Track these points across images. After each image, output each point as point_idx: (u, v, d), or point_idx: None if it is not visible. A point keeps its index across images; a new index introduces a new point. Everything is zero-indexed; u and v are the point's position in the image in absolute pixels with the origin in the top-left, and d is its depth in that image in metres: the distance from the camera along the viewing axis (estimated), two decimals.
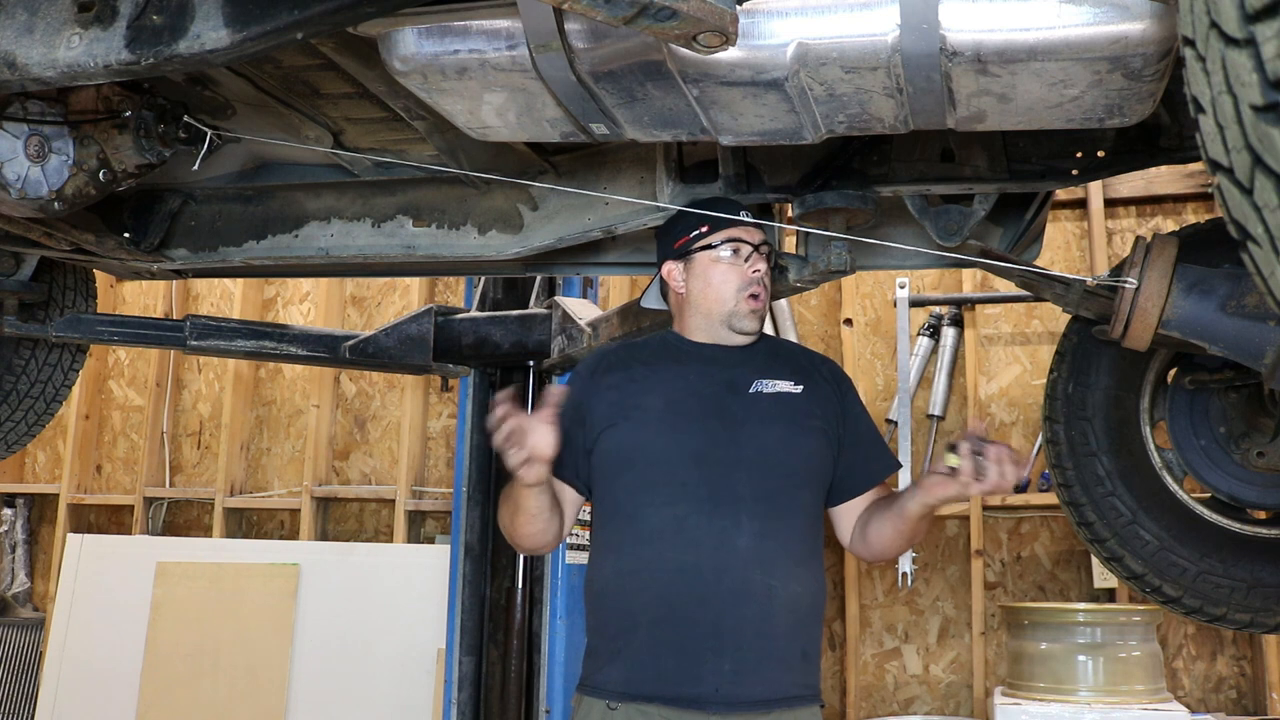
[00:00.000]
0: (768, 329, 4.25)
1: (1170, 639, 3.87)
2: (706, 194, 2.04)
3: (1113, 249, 4.15)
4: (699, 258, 1.90)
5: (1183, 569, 2.11)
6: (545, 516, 1.80)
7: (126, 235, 2.39)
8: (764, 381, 1.87)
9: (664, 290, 2.00)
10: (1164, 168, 3.24)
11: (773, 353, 1.97)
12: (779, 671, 1.75)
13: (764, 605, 1.74)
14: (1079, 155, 1.91)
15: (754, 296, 1.88)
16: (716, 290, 1.88)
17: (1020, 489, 4.05)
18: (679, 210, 1.98)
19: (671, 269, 1.94)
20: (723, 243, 1.88)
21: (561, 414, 1.70)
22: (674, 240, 1.93)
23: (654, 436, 1.83)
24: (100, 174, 1.94)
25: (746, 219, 1.89)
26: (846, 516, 1.93)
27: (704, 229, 1.89)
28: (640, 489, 1.81)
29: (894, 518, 1.82)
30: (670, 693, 1.72)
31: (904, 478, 3.85)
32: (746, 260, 1.88)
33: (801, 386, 1.88)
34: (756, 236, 1.90)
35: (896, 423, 4.12)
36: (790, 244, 2.27)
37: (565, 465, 1.83)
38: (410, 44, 1.50)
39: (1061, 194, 3.95)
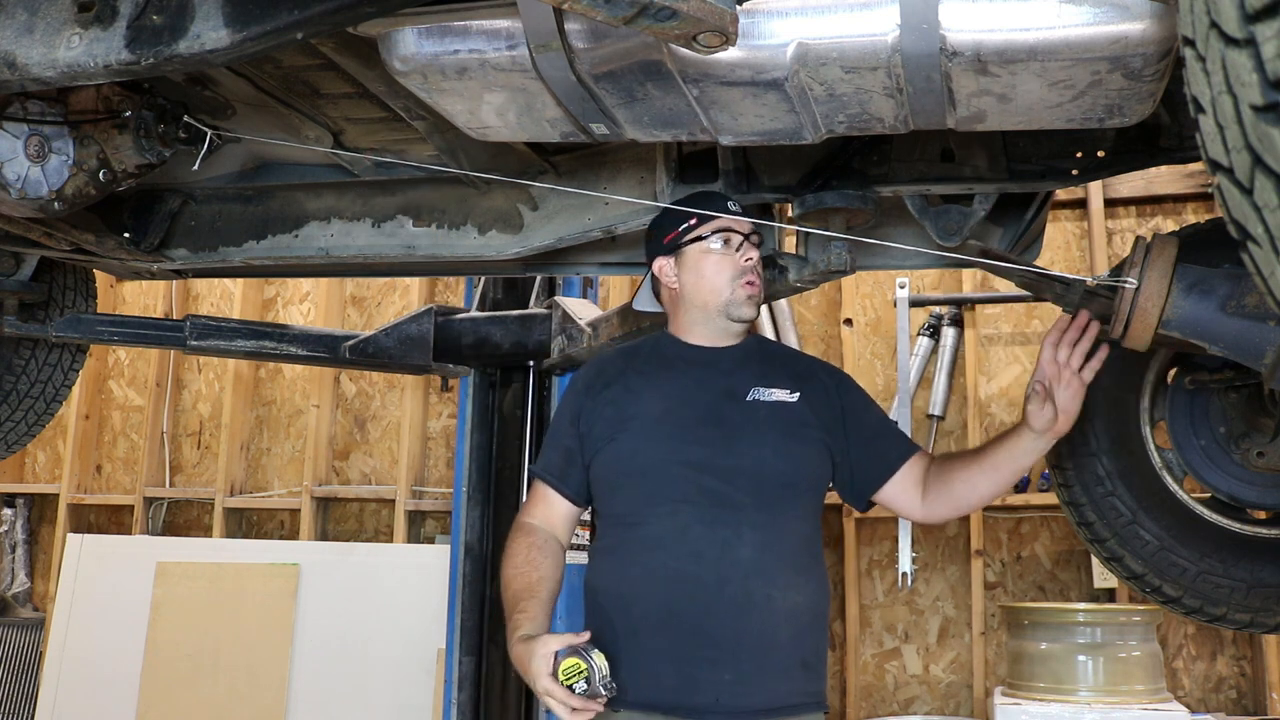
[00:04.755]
0: (768, 331, 4.20)
1: (1170, 639, 3.87)
2: None
3: (1113, 249, 4.15)
4: (690, 250, 1.90)
5: (1183, 569, 2.10)
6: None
7: (126, 235, 2.39)
8: (761, 390, 1.87)
9: (656, 290, 2.00)
10: (1164, 168, 3.24)
11: (768, 357, 1.97)
12: (779, 681, 1.75)
13: (765, 615, 1.74)
14: (1079, 155, 1.90)
15: (750, 283, 1.88)
16: (710, 281, 1.89)
17: (1020, 489, 4.05)
18: (664, 208, 1.99)
19: (663, 265, 1.94)
20: (713, 234, 1.88)
21: (558, 428, 1.89)
22: (663, 236, 1.93)
23: (652, 446, 1.83)
24: (100, 174, 1.94)
25: (734, 210, 1.89)
26: (896, 496, 1.94)
27: (693, 222, 1.89)
28: (642, 500, 1.82)
29: (1002, 461, 1.85)
30: (669, 701, 1.72)
31: None
32: (738, 249, 1.89)
33: (798, 394, 1.89)
34: (746, 227, 1.90)
35: (896, 423, 4.11)
36: (790, 244, 2.28)
37: (566, 481, 1.90)
38: (410, 44, 1.50)
39: (1061, 194, 3.95)
